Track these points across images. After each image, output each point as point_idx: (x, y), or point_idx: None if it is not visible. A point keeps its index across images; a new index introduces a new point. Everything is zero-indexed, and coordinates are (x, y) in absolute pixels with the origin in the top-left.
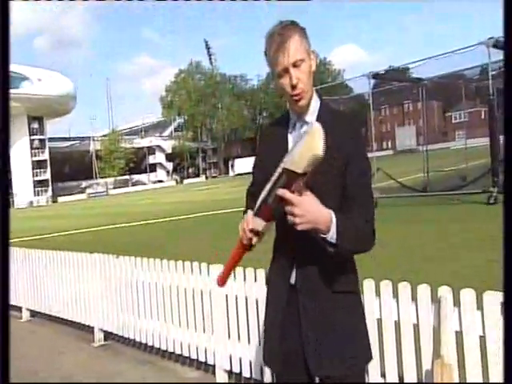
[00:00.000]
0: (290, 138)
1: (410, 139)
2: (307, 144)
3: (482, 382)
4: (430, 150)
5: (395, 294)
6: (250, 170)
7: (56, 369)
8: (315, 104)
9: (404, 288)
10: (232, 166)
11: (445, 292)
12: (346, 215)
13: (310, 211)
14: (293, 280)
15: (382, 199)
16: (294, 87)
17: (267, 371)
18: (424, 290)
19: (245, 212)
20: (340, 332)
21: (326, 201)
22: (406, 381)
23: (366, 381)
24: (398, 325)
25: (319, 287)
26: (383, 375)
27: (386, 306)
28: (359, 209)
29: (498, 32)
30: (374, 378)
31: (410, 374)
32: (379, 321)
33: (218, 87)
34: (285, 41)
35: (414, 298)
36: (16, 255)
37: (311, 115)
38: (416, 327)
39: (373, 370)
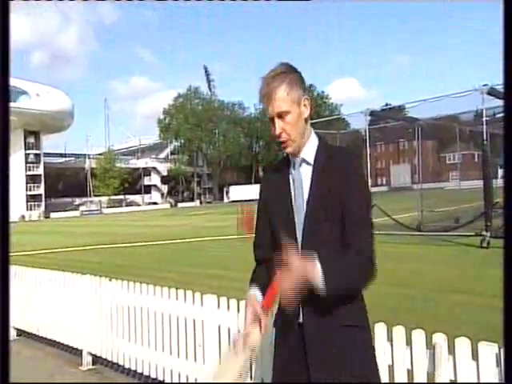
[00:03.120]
0: (291, 178)
1: (405, 177)
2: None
3: (483, 382)
4: (424, 189)
5: (389, 338)
6: (245, 197)
7: None
8: (313, 143)
9: (399, 332)
10: (227, 192)
11: (440, 339)
12: (338, 257)
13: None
14: (301, 319)
15: (376, 236)
16: (278, 136)
17: None
18: (419, 335)
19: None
20: (349, 370)
21: (327, 235)
22: None
23: None
24: (391, 369)
25: (326, 324)
26: None
27: (380, 349)
28: (356, 244)
29: (496, 76)
30: None
31: None
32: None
33: (216, 113)
34: (270, 92)
35: (409, 343)
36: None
37: (309, 154)
38: (410, 372)
39: None
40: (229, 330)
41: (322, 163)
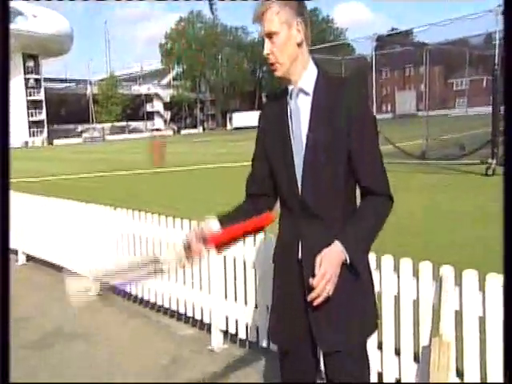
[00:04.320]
0: (289, 108)
1: (410, 104)
2: None
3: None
4: (430, 116)
5: (396, 269)
6: (248, 124)
7: (48, 317)
8: (312, 72)
9: (405, 263)
10: (230, 119)
11: (447, 271)
12: (355, 217)
13: (333, 271)
14: (300, 255)
15: None
16: (266, 58)
17: (263, 335)
18: (425, 266)
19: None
20: (346, 305)
21: (328, 167)
22: (402, 354)
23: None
24: (397, 299)
25: None
26: (380, 347)
27: (386, 279)
28: (372, 185)
29: None
30: (371, 351)
31: (407, 348)
32: (378, 294)
33: (219, 38)
34: (261, 11)
35: (415, 274)
36: (14, 198)
37: (308, 84)
38: (416, 303)
39: (370, 342)
40: (234, 259)
41: (322, 94)
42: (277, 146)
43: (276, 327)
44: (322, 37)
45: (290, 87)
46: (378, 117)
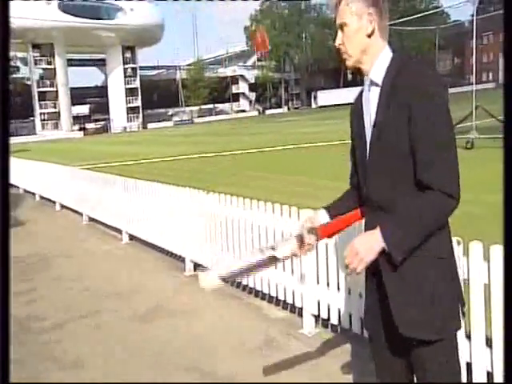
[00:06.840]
0: (364, 100)
1: None
2: None
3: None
4: None
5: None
6: (333, 102)
7: (147, 293)
8: (384, 61)
9: (496, 250)
10: (315, 97)
11: None
12: (406, 207)
13: (361, 250)
14: None
15: (480, 140)
16: (337, 48)
17: (355, 321)
18: None
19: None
20: (420, 296)
21: (393, 163)
22: None
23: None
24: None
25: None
26: (489, 345)
27: (475, 268)
28: (428, 179)
29: None
30: (477, 346)
31: None
32: (486, 286)
33: (303, 15)
34: (336, 1)
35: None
36: (119, 182)
37: (378, 74)
38: None
39: (476, 338)
40: (326, 245)
41: (389, 84)
42: (356, 140)
43: (364, 312)
44: (412, 6)
45: (365, 78)
46: (478, 87)
